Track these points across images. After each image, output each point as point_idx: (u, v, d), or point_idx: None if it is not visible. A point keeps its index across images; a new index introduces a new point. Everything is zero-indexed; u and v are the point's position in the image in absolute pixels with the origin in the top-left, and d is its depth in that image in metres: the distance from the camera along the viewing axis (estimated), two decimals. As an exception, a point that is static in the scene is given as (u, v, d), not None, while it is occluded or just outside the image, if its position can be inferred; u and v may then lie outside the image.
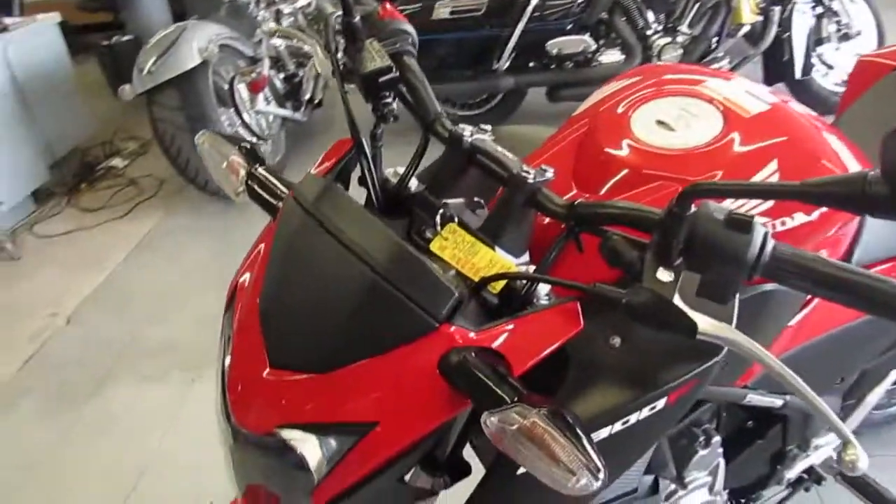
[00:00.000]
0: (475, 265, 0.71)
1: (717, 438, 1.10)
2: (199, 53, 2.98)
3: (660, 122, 0.86)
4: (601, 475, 0.57)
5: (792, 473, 1.32)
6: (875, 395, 1.26)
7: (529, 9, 3.26)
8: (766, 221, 0.78)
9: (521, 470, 0.70)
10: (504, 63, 3.39)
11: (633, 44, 3.42)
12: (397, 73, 0.80)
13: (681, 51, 3.41)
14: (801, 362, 1.02)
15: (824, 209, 0.78)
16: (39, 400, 2.22)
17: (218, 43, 3.10)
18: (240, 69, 3.28)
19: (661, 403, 0.71)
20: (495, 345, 0.63)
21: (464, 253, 0.72)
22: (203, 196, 3.30)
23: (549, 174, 0.73)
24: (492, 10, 3.27)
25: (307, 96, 3.55)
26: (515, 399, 0.58)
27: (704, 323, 0.61)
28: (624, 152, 0.83)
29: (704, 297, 0.62)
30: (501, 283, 0.69)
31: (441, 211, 0.74)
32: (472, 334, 0.63)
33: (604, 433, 0.70)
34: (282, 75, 3.59)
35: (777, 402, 1.08)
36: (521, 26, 3.27)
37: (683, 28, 3.44)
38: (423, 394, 0.63)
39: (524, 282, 0.69)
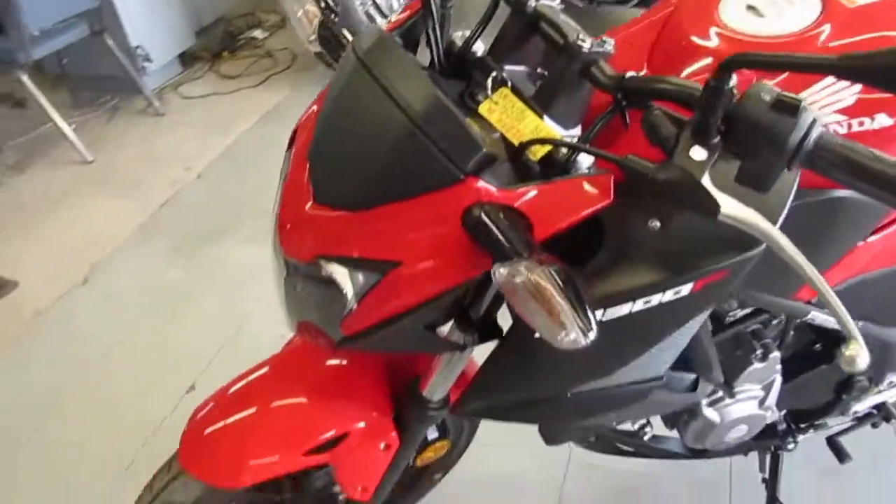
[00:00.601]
0: (520, 131, 0.72)
1: (775, 354, 1.08)
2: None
3: (750, 7, 0.81)
4: (591, 334, 0.59)
5: (861, 406, 1.28)
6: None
7: None
8: (841, 120, 0.73)
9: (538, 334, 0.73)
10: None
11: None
12: None
13: None
14: (882, 288, 0.97)
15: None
16: (170, 239, 2.49)
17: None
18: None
19: (686, 289, 0.71)
20: (518, 203, 0.65)
21: (511, 118, 0.73)
22: (329, 73, 3.40)
23: (608, 47, 0.72)
24: None
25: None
26: (525, 255, 0.61)
27: (729, 206, 0.60)
28: (705, 38, 0.80)
29: (743, 183, 0.61)
30: (542, 151, 0.70)
31: (493, 75, 0.75)
32: (496, 191, 0.65)
33: (624, 309, 0.72)
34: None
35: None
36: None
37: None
38: (448, 244, 0.67)
39: (565, 151, 0.69)
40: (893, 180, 0.56)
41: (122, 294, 2.25)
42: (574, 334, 0.59)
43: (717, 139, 0.60)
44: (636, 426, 1.17)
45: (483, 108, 0.74)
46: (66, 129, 2.94)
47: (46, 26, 2.85)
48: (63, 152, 3.04)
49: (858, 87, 0.73)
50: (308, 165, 0.73)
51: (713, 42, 0.80)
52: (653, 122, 0.63)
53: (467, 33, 0.83)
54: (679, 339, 0.83)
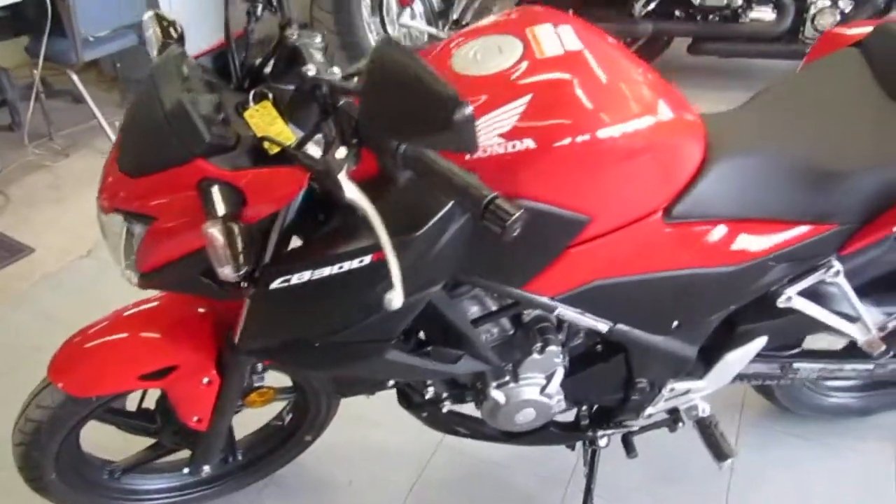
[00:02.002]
0: (269, 132, 0.98)
1: (553, 348, 1.27)
2: (356, -36, 3.34)
3: (475, 54, 1.04)
4: (241, 270, 0.84)
5: (654, 409, 1.44)
6: (736, 356, 1.33)
7: (676, -46, 3.19)
8: (501, 141, 0.95)
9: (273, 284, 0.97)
10: (642, 7, 3.36)
11: (787, 2, 3.22)
12: None
13: (839, 17, 3.15)
14: (621, 293, 1.16)
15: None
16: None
17: (377, -44, 3.43)
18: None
19: (367, 259, 0.94)
20: (237, 181, 0.91)
21: (265, 123, 0.98)
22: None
23: (332, 74, 0.96)
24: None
25: (454, 17, 3.79)
26: (221, 216, 0.86)
27: (351, 192, 0.83)
28: None
29: (386, 179, 0.85)
30: (275, 147, 0.95)
31: (255, 90, 1.01)
32: (222, 170, 0.90)
33: (325, 272, 0.95)
34: (438, -6, 3.85)
35: (601, 325, 1.23)
36: (663, -29, 3.22)
37: None
38: (189, 208, 0.93)
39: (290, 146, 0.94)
40: (457, 185, 0.78)
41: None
42: (227, 270, 0.84)
43: (354, 142, 0.84)
44: (430, 396, 1.37)
45: (247, 114, 1.00)
46: (105, 124, 3.37)
47: (99, 33, 3.30)
48: (105, 144, 3.46)
49: (516, 115, 0.95)
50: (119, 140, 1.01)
51: None
52: (331, 127, 0.88)
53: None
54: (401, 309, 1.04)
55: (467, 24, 3.81)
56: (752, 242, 1.16)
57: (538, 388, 1.32)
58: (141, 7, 3.42)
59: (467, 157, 0.95)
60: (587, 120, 0.97)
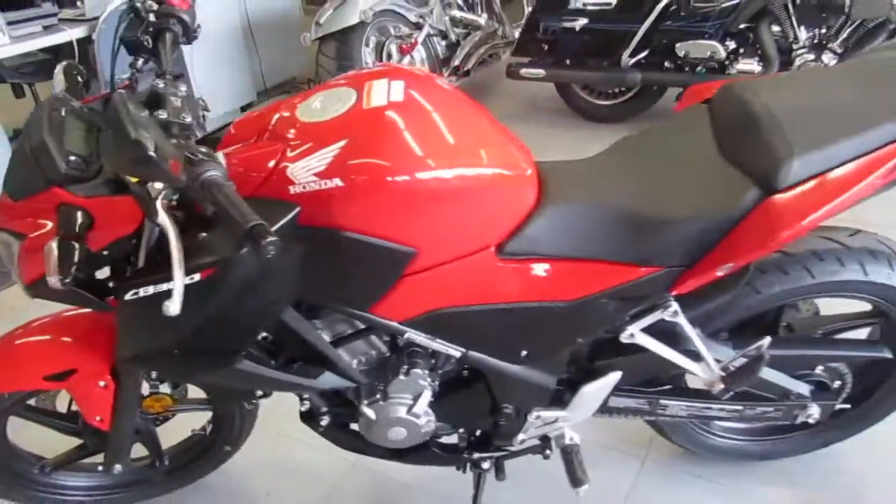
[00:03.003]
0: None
1: (419, 371, 1.37)
2: (359, 14, 3.57)
3: (320, 103, 1.19)
4: (66, 280, 0.99)
5: (526, 436, 1.52)
6: (593, 389, 1.41)
7: (659, 7, 3.30)
8: (316, 179, 1.08)
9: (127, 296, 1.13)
10: (629, 58, 3.46)
11: (772, 56, 3.28)
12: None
13: (823, 70, 3.18)
14: (463, 321, 1.27)
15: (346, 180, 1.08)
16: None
17: (380, 8, 3.66)
18: (398, 31, 3.82)
19: (197, 276, 1.08)
20: (90, 208, 1.07)
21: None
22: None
23: (184, 118, 1.12)
24: (623, 4, 3.37)
25: (455, 63, 3.98)
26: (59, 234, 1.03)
27: (161, 217, 0.98)
28: (274, 120, 1.18)
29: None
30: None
31: None
32: (77, 196, 1.07)
33: (162, 287, 1.10)
34: (444, 42, 4.06)
35: (452, 351, 1.33)
36: (647, 24, 3.33)
37: (834, 46, 3.20)
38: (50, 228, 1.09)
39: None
40: (229, 213, 0.92)
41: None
42: (53, 280, 1.00)
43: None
44: (306, 409, 1.48)
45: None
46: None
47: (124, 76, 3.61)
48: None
49: (331, 156, 1.09)
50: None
51: (275, 122, 1.18)
52: None
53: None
54: (243, 322, 1.18)
55: (469, 71, 4.00)
56: (582, 280, 1.26)
57: (406, 407, 1.41)
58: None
59: (291, 191, 1.10)
60: (402, 163, 1.10)
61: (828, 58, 3.20)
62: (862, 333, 1.63)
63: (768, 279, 1.38)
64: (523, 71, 3.75)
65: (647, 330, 1.35)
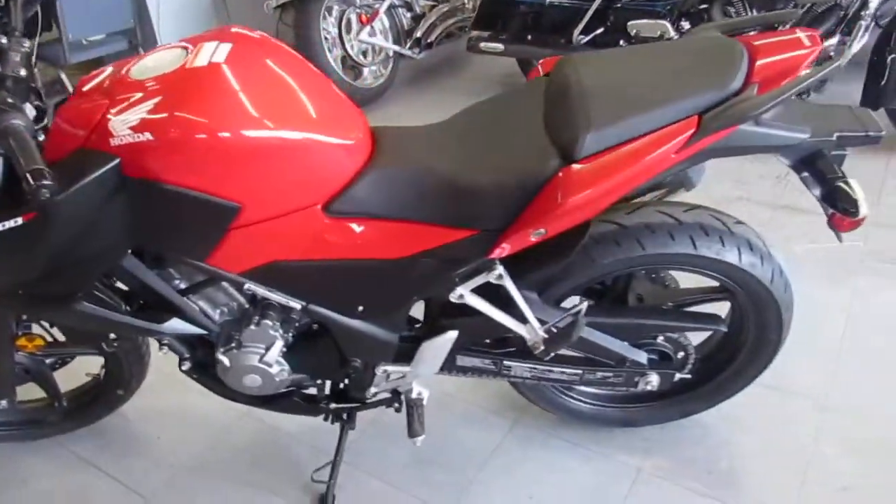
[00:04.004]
0: None
1: (269, 322, 1.45)
2: (316, -17, 3.61)
3: (153, 63, 1.25)
4: None
5: (376, 388, 1.60)
6: (433, 346, 1.48)
7: (609, -15, 3.32)
8: (130, 132, 1.15)
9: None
10: (582, 36, 3.48)
11: (722, 38, 3.28)
12: None
13: (769, 54, 3.19)
14: (302, 274, 1.34)
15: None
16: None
17: (339, -23, 3.70)
18: (362, 2, 3.86)
19: (20, 220, 1.16)
20: None
21: None
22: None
23: (20, 73, 1.19)
24: (574, -19, 3.39)
25: (417, 35, 4.01)
26: None
27: None
28: (109, 77, 1.25)
29: None
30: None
31: None
32: None
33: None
34: (409, 14, 4.09)
35: (293, 303, 1.41)
36: (596, 2, 3.34)
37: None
38: None
39: None
40: (19, 162, 0.99)
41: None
42: None
43: None
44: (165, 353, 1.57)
45: None
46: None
47: (87, 37, 3.69)
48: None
49: (144, 111, 1.15)
50: None
51: (114, 85, 1.23)
52: None
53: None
54: (77, 265, 1.25)
55: (431, 43, 4.04)
56: (405, 240, 1.32)
57: (258, 356, 1.49)
58: (129, 15, 3.81)
59: (111, 143, 1.17)
60: (216, 120, 1.16)
61: (775, 41, 3.20)
62: (723, 308, 1.68)
63: (602, 249, 1.44)
64: (482, 45, 3.78)
65: (478, 291, 1.41)
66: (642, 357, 1.57)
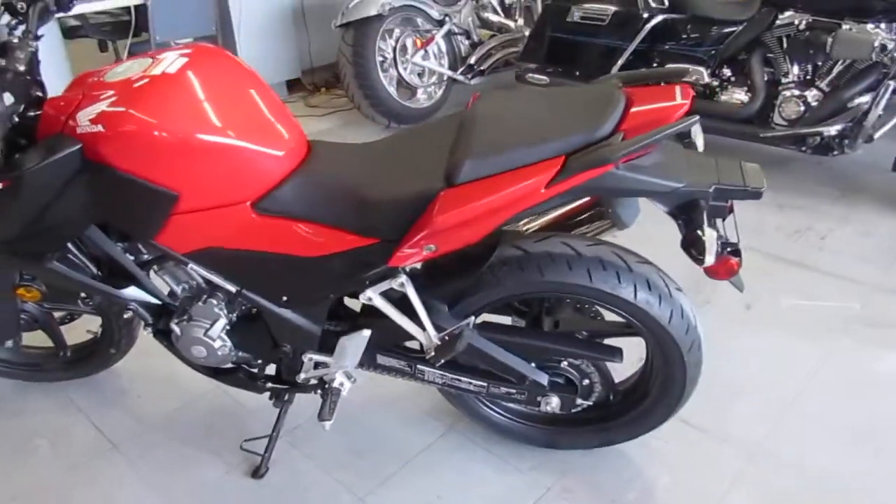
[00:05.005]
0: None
1: (215, 301, 1.67)
2: (378, 7, 3.87)
3: (125, 69, 1.49)
4: None
5: (305, 374, 1.77)
6: (349, 342, 1.63)
7: (648, 27, 3.38)
8: (89, 123, 1.39)
9: None
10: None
11: (759, 87, 3.28)
12: None
13: (803, 108, 3.16)
14: (234, 261, 1.55)
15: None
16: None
17: (401, 3, 3.94)
18: (423, 27, 4.10)
19: (-1, 185, 1.43)
20: None
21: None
22: (360, 115, 4.27)
23: None
24: (614, 22, 3.47)
25: (470, 61, 4.19)
26: None
27: None
28: (91, 78, 1.50)
29: None
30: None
31: None
32: None
33: None
34: (467, 42, 4.29)
35: (229, 286, 1.62)
36: (634, 43, 3.42)
37: (822, 85, 3.16)
38: None
39: None
40: None
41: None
42: None
43: None
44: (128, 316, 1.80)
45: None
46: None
47: (174, 41, 4.11)
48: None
49: (101, 107, 1.38)
50: None
51: (91, 84, 1.48)
52: None
53: None
54: (46, 230, 1.50)
55: (483, 71, 4.22)
56: (320, 242, 1.49)
57: (203, 330, 1.70)
58: (212, 24, 4.21)
59: (77, 131, 1.41)
60: (158, 119, 1.38)
61: (812, 95, 3.16)
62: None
63: (506, 271, 1.55)
64: (529, 76, 3.92)
65: (386, 295, 1.57)
66: (543, 378, 1.67)
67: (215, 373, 1.86)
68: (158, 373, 2.27)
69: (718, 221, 1.52)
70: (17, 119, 1.45)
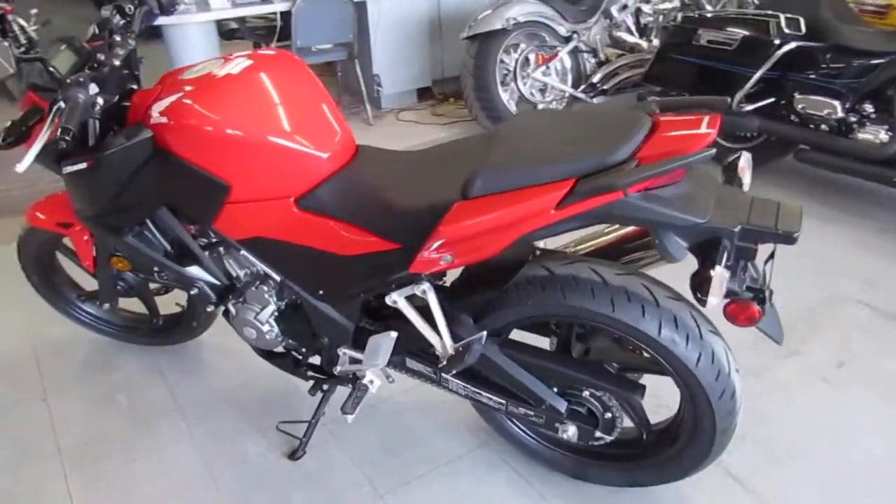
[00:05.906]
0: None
1: (266, 288, 1.81)
2: (503, 22, 3.92)
3: (200, 69, 1.65)
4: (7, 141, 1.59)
5: (341, 367, 1.84)
6: (376, 342, 1.68)
7: (778, 54, 3.16)
8: (158, 116, 1.55)
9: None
10: (746, 103, 3.35)
11: (899, 126, 2.96)
12: None
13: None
14: (279, 252, 1.67)
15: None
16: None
17: (527, 19, 3.97)
18: (550, 42, 4.09)
19: (84, 164, 1.62)
20: (40, 104, 1.67)
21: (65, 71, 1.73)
22: (480, 127, 4.33)
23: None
24: (742, 48, 3.27)
25: (594, 80, 4.12)
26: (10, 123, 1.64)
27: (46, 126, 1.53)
28: (173, 75, 1.67)
29: None
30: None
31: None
32: (40, 99, 1.67)
33: (81, 166, 1.65)
34: (594, 60, 4.23)
35: (275, 275, 1.74)
36: (762, 70, 3.20)
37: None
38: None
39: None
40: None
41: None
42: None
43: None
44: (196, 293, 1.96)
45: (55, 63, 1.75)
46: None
47: (315, 45, 4.41)
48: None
49: (170, 102, 1.54)
50: None
51: (170, 81, 1.65)
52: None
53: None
54: (122, 208, 1.69)
55: (606, 90, 4.14)
56: (352, 241, 1.56)
57: (254, 313, 1.84)
58: (350, 31, 4.46)
59: (151, 121, 1.58)
60: (216, 114, 1.52)
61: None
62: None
63: (530, 290, 1.54)
64: (650, 99, 3.79)
65: (411, 300, 1.60)
66: (561, 405, 1.62)
67: (268, 355, 1.99)
68: (234, 348, 2.45)
69: (760, 265, 1.42)
70: (103, 106, 1.64)
